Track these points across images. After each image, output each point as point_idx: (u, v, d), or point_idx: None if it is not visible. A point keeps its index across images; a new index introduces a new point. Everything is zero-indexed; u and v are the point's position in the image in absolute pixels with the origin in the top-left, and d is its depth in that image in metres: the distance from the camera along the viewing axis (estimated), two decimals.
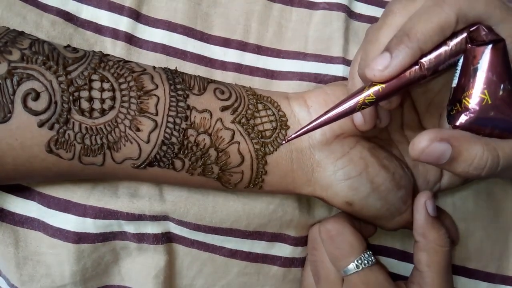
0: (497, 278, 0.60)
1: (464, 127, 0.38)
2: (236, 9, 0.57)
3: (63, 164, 0.43)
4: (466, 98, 0.38)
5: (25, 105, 0.40)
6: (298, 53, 0.57)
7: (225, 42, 0.56)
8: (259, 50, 0.57)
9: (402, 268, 0.59)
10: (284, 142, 0.46)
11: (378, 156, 0.49)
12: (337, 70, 0.56)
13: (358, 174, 0.48)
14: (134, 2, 0.54)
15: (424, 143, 0.37)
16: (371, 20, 0.60)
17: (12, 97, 0.40)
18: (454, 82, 0.40)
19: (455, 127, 0.39)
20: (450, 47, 0.38)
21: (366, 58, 0.42)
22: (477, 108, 0.37)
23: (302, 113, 0.49)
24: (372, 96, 0.40)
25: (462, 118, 0.38)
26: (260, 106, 0.48)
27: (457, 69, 0.39)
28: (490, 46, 0.37)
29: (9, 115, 0.40)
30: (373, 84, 0.40)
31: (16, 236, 0.50)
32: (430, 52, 0.39)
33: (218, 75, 0.55)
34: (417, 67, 0.39)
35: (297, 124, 0.49)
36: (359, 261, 0.49)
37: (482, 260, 0.60)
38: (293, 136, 0.44)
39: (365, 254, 0.49)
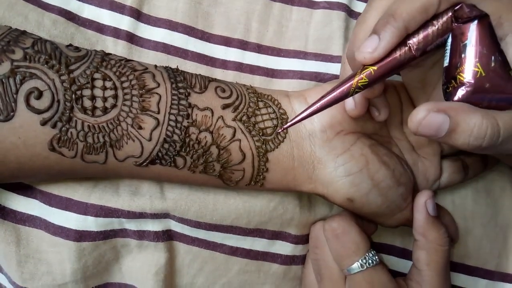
0: (496, 276, 0.60)
1: (462, 101, 0.39)
2: (237, 8, 0.57)
3: (65, 162, 0.43)
4: (460, 74, 0.38)
5: (28, 104, 0.40)
6: (299, 52, 0.57)
7: (226, 41, 0.56)
8: (259, 49, 0.57)
9: (402, 265, 0.59)
10: (280, 130, 0.45)
11: (378, 153, 0.49)
12: (337, 69, 0.56)
13: (359, 171, 0.48)
14: (135, 1, 0.54)
15: (421, 114, 0.38)
16: None
17: (15, 95, 0.40)
18: (446, 62, 0.40)
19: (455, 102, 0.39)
20: (436, 27, 0.39)
21: (355, 41, 0.43)
22: (472, 81, 0.38)
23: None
24: (365, 79, 0.41)
25: (459, 93, 0.39)
26: (261, 104, 0.48)
27: (446, 49, 0.40)
28: (475, 21, 0.38)
29: (12, 113, 0.40)
30: (364, 67, 0.41)
31: (17, 234, 0.50)
32: (418, 33, 0.40)
33: (219, 74, 0.55)
34: (406, 48, 0.40)
35: None
36: (364, 261, 0.49)
37: (481, 258, 0.60)
38: (289, 123, 0.43)
39: (369, 253, 0.49)
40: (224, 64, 0.56)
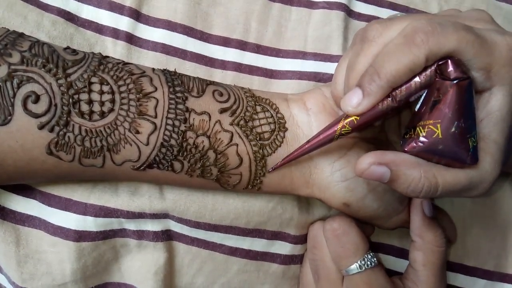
0: (495, 276, 0.60)
1: (412, 154, 0.40)
2: (236, 9, 0.57)
3: (63, 166, 0.43)
4: (420, 128, 0.39)
5: (25, 108, 0.40)
6: (298, 52, 0.57)
7: (225, 42, 0.56)
8: (258, 49, 0.57)
9: (399, 265, 0.59)
10: (270, 170, 0.48)
11: None
12: None
13: (355, 176, 0.48)
14: (134, 2, 0.54)
15: (363, 166, 0.40)
16: (371, 19, 0.60)
17: (12, 99, 0.40)
18: (417, 107, 0.41)
19: (404, 151, 0.40)
20: (420, 79, 0.39)
21: (347, 84, 0.43)
22: (427, 140, 0.39)
23: (301, 115, 0.49)
24: (347, 128, 0.42)
25: (412, 146, 0.40)
26: (258, 108, 0.48)
27: (422, 95, 0.40)
28: (453, 83, 0.37)
29: (9, 117, 0.40)
30: (348, 115, 0.42)
31: (17, 235, 0.50)
32: (401, 85, 0.40)
33: (218, 74, 0.55)
34: (389, 99, 0.40)
35: (295, 126, 0.49)
36: (362, 262, 0.49)
37: (480, 258, 0.60)
38: (278, 164, 0.47)
39: (368, 255, 0.49)
40: (223, 65, 0.56)
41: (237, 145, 0.46)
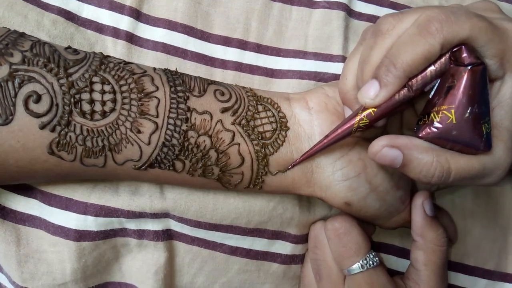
0: (496, 275, 0.60)
1: (426, 139, 0.40)
2: (236, 8, 0.57)
3: (64, 165, 0.43)
4: (434, 113, 0.40)
5: (26, 108, 0.40)
6: (298, 51, 0.57)
7: (225, 41, 0.56)
8: (259, 48, 0.57)
9: (400, 265, 0.59)
10: (289, 167, 0.48)
11: None
12: (337, 68, 0.56)
13: (356, 175, 0.48)
14: (134, 1, 0.54)
15: (376, 148, 0.41)
16: (371, 18, 0.60)
17: (13, 99, 0.40)
18: (430, 95, 0.41)
19: (418, 137, 0.41)
20: (435, 67, 0.40)
21: (362, 78, 0.44)
22: (441, 125, 0.39)
23: (303, 114, 0.49)
24: (365, 120, 0.43)
25: (426, 131, 0.40)
26: (260, 108, 0.48)
27: (436, 83, 0.41)
28: (467, 68, 0.38)
29: (11, 117, 0.40)
30: (365, 108, 0.42)
31: (17, 234, 0.50)
32: (416, 74, 0.40)
33: (218, 73, 0.55)
34: (405, 89, 0.41)
35: (297, 125, 0.49)
36: (364, 262, 0.49)
37: (480, 257, 0.60)
38: (297, 161, 0.48)
39: (370, 254, 0.49)
40: (223, 64, 0.56)
41: (238, 144, 0.46)
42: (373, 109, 0.42)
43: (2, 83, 0.40)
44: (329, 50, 0.57)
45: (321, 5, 0.58)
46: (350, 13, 0.59)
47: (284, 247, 0.56)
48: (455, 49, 0.39)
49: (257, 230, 0.54)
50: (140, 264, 0.54)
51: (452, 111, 0.38)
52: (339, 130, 0.45)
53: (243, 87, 0.50)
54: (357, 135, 0.46)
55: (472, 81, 0.38)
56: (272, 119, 0.48)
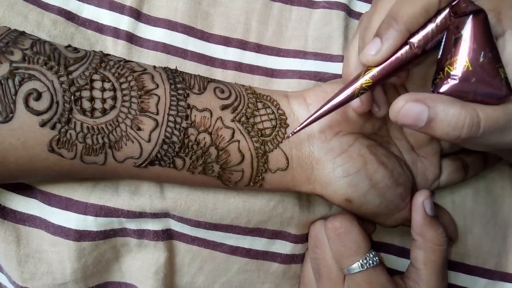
0: (496, 275, 0.60)
1: (447, 93, 0.39)
2: (236, 8, 0.57)
3: (65, 163, 0.43)
4: (449, 66, 0.39)
5: (27, 105, 0.40)
6: (298, 51, 0.57)
7: (225, 41, 0.56)
8: (259, 48, 0.57)
9: (400, 264, 0.59)
10: (291, 134, 0.47)
11: (377, 153, 0.50)
12: (337, 68, 0.56)
13: (357, 171, 0.48)
14: (135, 1, 0.54)
15: (399, 104, 0.39)
16: None
17: (14, 97, 0.40)
18: (439, 54, 0.41)
19: (438, 93, 0.40)
20: (435, 23, 0.40)
21: (363, 45, 0.44)
22: (459, 74, 0.39)
23: (302, 111, 0.49)
24: (369, 81, 0.42)
25: (445, 85, 0.39)
26: (259, 105, 0.48)
27: (441, 42, 0.41)
28: (470, 16, 0.38)
29: (11, 115, 0.40)
30: (368, 69, 0.42)
31: (17, 234, 0.50)
32: (418, 31, 0.40)
33: (218, 73, 0.55)
34: (407, 47, 0.41)
35: (296, 122, 0.49)
36: (364, 261, 0.49)
37: (480, 257, 0.60)
38: (300, 127, 0.46)
39: (370, 254, 0.49)
40: (223, 64, 0.56)
41: (238, 141, 0.46)
42: (376, 69, 0.42)
43: (2, 81, 0.40)
44: (329, 50, 0.57)
45: (321, 5, 0.58)
46: (350, 13, 0.59)
47: (284, 247, 0.56)
48: (453, 3, 0.39)
49: (257, 229, 0.54)
50: (140, 264, 0.54)
51: (466, 58, 0.38)
52: (343, 93, 0.44)
53: (243, 85, 0.50)
54: (360, 109, 0.46)
55: (478, 27, 0.38)
56: (271, 116, 0.48)
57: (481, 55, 0.38)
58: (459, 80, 0.38)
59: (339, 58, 0.57)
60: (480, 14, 0.38)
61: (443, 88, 0.39)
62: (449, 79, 0.39)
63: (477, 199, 0.60)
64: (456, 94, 0.39)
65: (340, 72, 0.56)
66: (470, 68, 0.38)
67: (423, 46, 0.41)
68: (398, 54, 0.41)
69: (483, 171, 0.58)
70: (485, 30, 0.38)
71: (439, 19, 0.40)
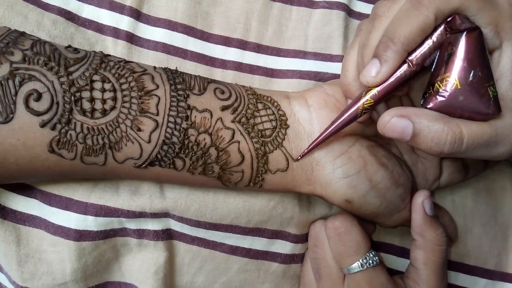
0: (496, 275, 0.60)
1: (435, 109, 0.40)
2: (236, 8, 0.57)
3: (65, 164, 0.43)
4: (438, 82, 0.40)
5: (27, 106, 0.40)
6: (298, 51, 0.57)
7: (225, 41, 0.56)
8: (259, 48, 0.57)
9: (400, 264, 0.59)
10: (300, 157, 0.48)
11: (377, 154, 0.50)
12: (337, 68, 0.56)
13: (356, 172, 0.48)
14: (135, 1, 0.54)
15: (385, 118, 0.41)
16: None
17: (14, 97, 0.40)
18: (432, 68, 0.42)
19: (426, 108, 0.41)
20: (432, 40, 0.41)
21: (363, 63, 0.44)
22: (447, 92, 0.39)
23: (303, 112, 0.50)
24: (370, 101, 0.43)
25: (433, 101, 0.40)
26: (260, 106, 0.48)
27: (435, 55, 0.41)
28: (464, 33, 0.39)
29: (11, 115, 0.40)
30: (369, 89, 0.43)
31: (17, 234, 0.50)
32: (415, 49, 0.41)
33: (218, 73, 0.55)
34: (406, 65, 0.41)
35: (297, 123, 0.49)
36: (364, 261, 0.49)
37: (480, 257, 0.60)
38: (305, 151, 0.48)
39: (370, 254, 0.49)
40: (223, 64, 0.56)
41: (238, 142, 0.46)
42: (376, 89, 0.43)
43: (2, 82, 0.40)
44: (329, 50, 0.57)
45: (321, 5, 0.58)
46: (350, 13, 0.59)
47: (284, 247, 0.56)
48: (449, 19, 0.40)
49: (257, 229, 0.54)
50: (140, 263, 0.54)
51: (456, 76, 0.39)
52: (345, 115, 0.45)
53: (243, 86, 0.50)
54: (362, 119, 0.46)
55: (471, 45, 0.39)
56: (272, 117, 0.48)
57: (471, 74, 0.39)
58: (447, 98, 0.39)
59: (339, 58, 0.57)
60: (474, 31, 0.39)
61: (431, 104, 0.40)
62: (437, 96, 0.40)
63: (477, 199, 0.60)
64: (443, 110, 0.40)
65: (339, 72, 0.55)
66: (459, 87, 0.39)
67: (421, 63, 0.41)
68: (398, 73, 0.42)
69: (483, 171, 0.58)
70: (479, 48, 0.39)
71: (435, 35, 0.41)
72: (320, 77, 0.56)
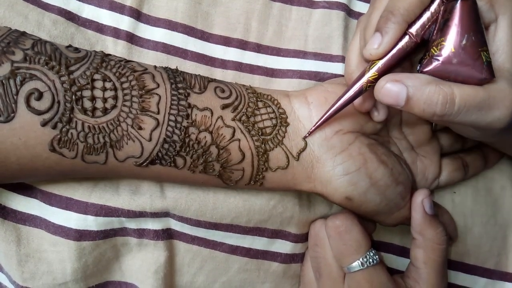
0: (496, 274, 0.60)
1: (430, 73, 0.41)
2: (237, 8, 0.57)
3: (66, 162, 0.43)
4: (434, 47, 0.41)
5: (28, 105, 0.40)
6: (298, 51, 0.57)
7: (226, 41, 0.56)
8: (259, 48, 0.57)
9: (400, 263, 0.59)
10: (307, 134, 0.49)
11: (377, 152, 0.50)
12: (337, 68, 0.57)
13: (357, 169, 0.48)
14: (135, 1, 0.54)
15: (381, 84, 0.42)
16: None
17: (15, 97, 0.40)
18: (430, 36, 0.43)
19: (422, 73, 0.42)
20: (430, 11, 0.42)
21: (364, 44, 0.45)
22: (442, 56, 0.40)
23: (303, 110, 0.50)
24: (375, 74, 0.44)
25: (428, 65, 0.41)
26: (260, 104, 0.49)
27: (432, 27, 0.43)
28: (458, 1, 0.40)
29: (12, 114, 0.40)
30: (372, 63, 0.44)
31: (18, 234, 0.50)
32: (415, 21, 0.43)
33: (219, 73, 0.55)
34: (407, 37, 0.43)
35: (297, 121, 0.49)
36: (365, 260, 0.49)
37: (480, 256, 0.60)
38: (313, 128, 0.49)
39: (370, 252, 0.49)
40: (223, 64, 0.56)
41: (239, 140, 0.46)
42: (380, 62, 0.44)
43: (4, 81, 0.40)
44: (329, 50, 0.57)
45: (321, 5, 0.58)
46: (350, 13, 0.59)
47: (284, 246, 0.56)
48: None
49: (257, 229, 0.54)
50: (140, 263, 0.54)
51: (450, 40, 0.40)
52: (351, 89, 0.46)
53: (243, 85, 0.50)
54: (363, 108, 0.48)
55: (465, 11, 0.40)
56: (272, 115, 0.48)
57: (465, 38, 0.40)
58: (442, 61, 0.40)
59: (339, 58, 0.57)
60: (468, 0, 0.40)
61: (426, 68, 0.41)
62: (432, 60, 0.41)
63: (477, 198, 0.60)
64: (438, 74, 0.41)
65: (340, 72, 0.56)
66: (453, 50, 0.40)
67: (422, 34, 0.43)
68: (399, 45, 0.43)
69: (483, 170, 0.59)
70: (472, 15, 0.40)
71: (433, 6, 0.42)
72: (320, 77, 0.56)
